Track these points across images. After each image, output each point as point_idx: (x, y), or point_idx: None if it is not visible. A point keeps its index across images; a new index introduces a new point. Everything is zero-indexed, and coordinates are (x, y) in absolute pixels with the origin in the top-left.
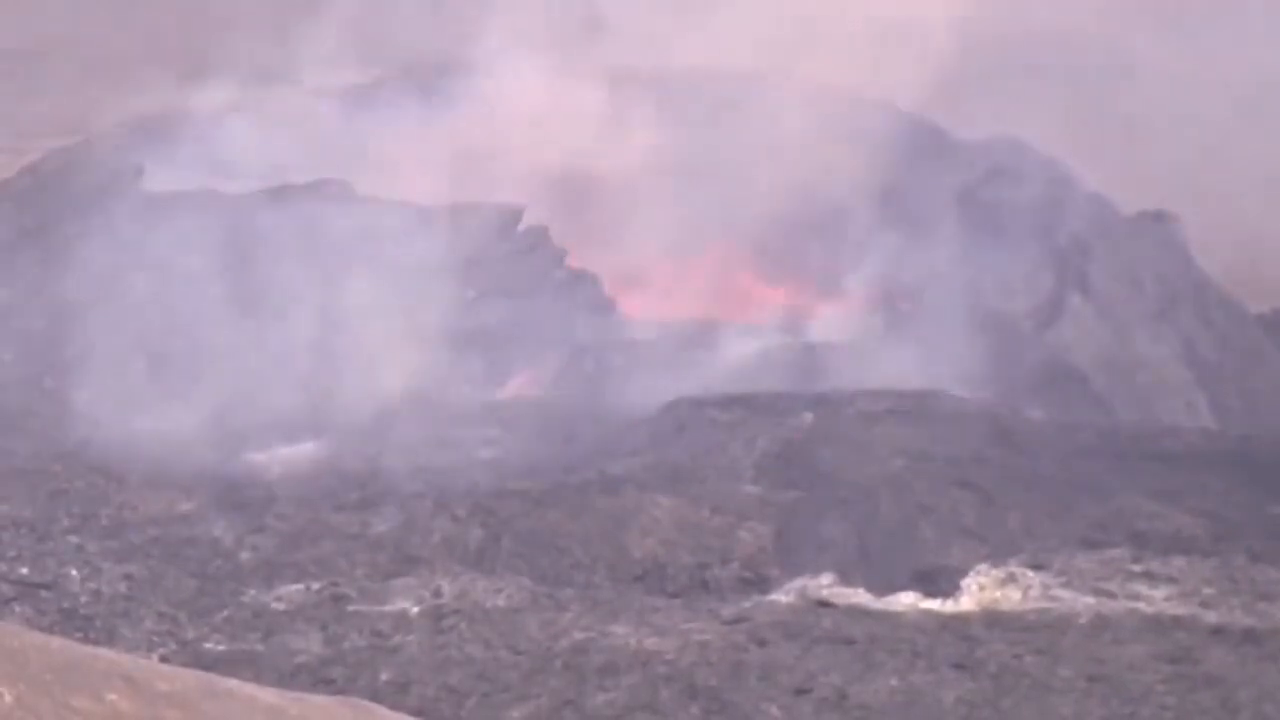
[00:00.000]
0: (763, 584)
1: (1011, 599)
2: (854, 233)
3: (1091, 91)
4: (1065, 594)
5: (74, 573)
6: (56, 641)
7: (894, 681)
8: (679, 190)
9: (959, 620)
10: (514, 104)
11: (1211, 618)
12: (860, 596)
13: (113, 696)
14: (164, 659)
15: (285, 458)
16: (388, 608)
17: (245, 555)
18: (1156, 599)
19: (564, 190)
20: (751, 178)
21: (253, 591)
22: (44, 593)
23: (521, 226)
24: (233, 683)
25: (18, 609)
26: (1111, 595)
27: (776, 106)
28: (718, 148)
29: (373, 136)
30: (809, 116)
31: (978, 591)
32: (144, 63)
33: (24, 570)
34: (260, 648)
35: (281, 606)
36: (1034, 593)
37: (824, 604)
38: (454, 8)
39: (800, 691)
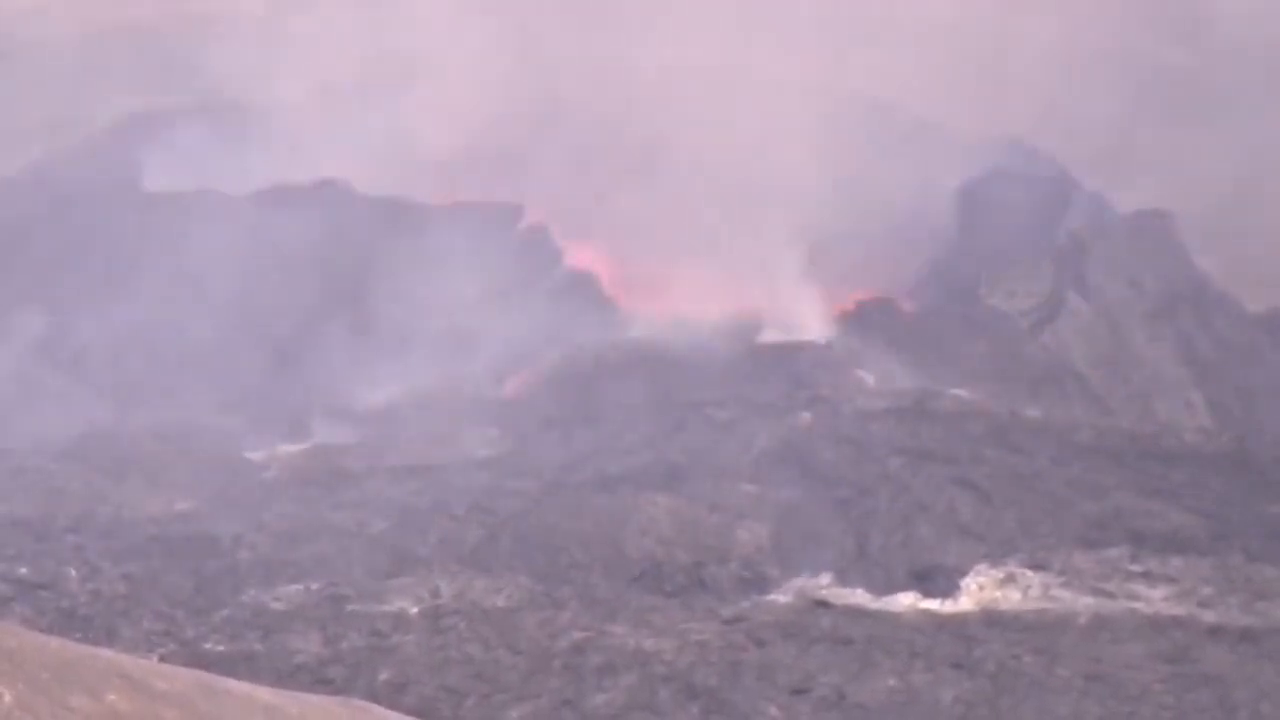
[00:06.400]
0: (761, 583)
1: (1010, 599)
2: (853, 235)
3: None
4: (1064, 594)
5: (73, 572)
6: (55, 641)
7: (892, 681)
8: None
9: (957, 620)
10: None
11: (1209, 617)
12: (858, 596)
13: (111, 696)
14: (163, 659)
15: (283, 456)
16: (386, 607)
17: (244, 555)
18: (1154, 599)
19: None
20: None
21: (251, 591)
22: (43, 592)
23: (521, 225)
24: (231, 682)
25: (17, 608)
26: (1110, 595)
27: (775, 104)
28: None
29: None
30: (808, 115)
31: (976, 591)
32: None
33: (23, 570)
34: (259, 647)
35: (280, 606)
36: (1033, 592)
37: (822, 604)
38: None
39: (798, 691)
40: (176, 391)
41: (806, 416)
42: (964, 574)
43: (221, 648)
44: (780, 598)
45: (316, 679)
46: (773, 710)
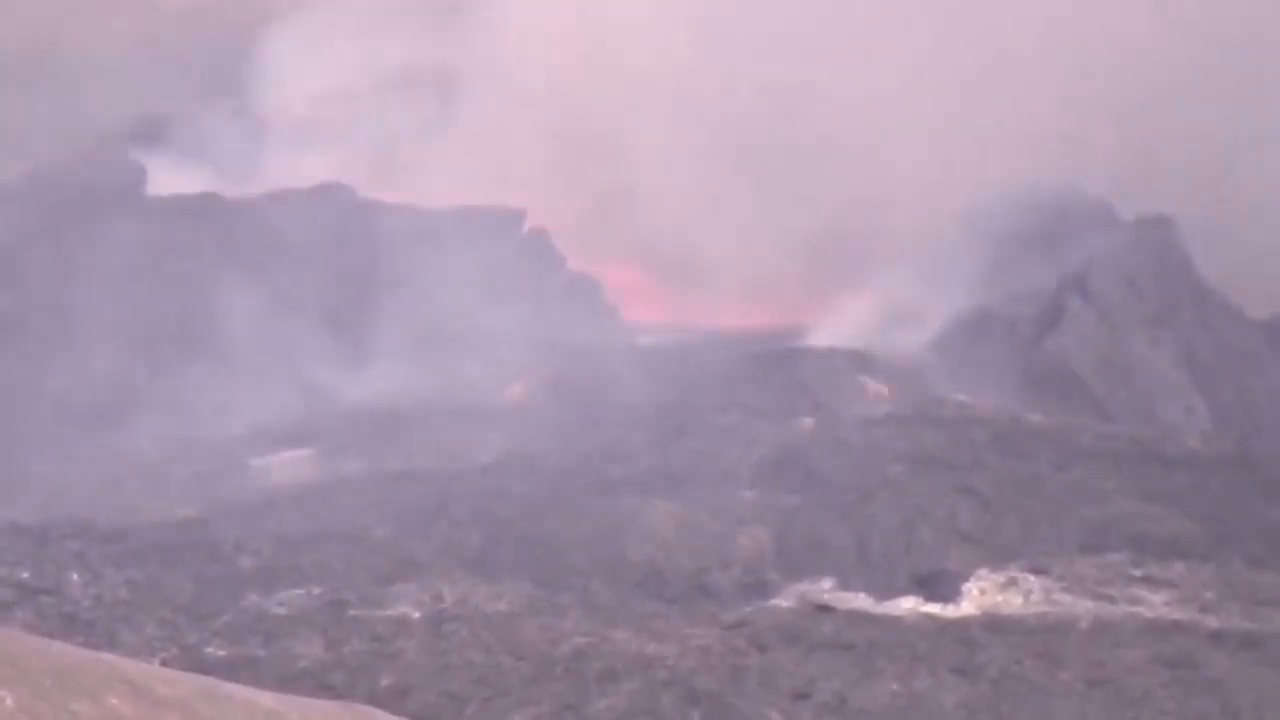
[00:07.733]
0: (762, 589)
1: (1012, 603)
2: (855, 239)
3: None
4: (1065, 598)
5: (75, 577)
6: (57, 646)
7: (894, 686)
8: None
9: (959, 625)
10: None
11: (1211, 622)
12: (860, 601)
13: (113, 700)
14: (165, 663)
15: (285, 462)
16: (388, 613)
17: (246, 560)
18: (1156, 603)
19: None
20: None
21: (253, 596)
22: (45, 597)
23: (524, 229)
24: (233, 687)
25: (19, 614)
26: (1111, 600)
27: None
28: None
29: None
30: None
31: (978, 596)
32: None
33: (25, 575)
34: (261, 652)
35: (282, 611)
36: (1034, 597)
37: (824, 609)
38: None
39: (800, 696)
40: (178, 396)
41: (808, 422)
42: (965, 579)
43: (223, 653)
44: (782, 603)
45: (318, 684)
46: (774, 715)
